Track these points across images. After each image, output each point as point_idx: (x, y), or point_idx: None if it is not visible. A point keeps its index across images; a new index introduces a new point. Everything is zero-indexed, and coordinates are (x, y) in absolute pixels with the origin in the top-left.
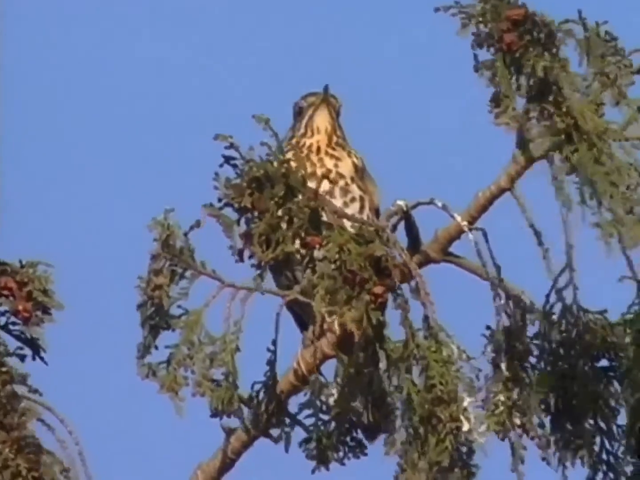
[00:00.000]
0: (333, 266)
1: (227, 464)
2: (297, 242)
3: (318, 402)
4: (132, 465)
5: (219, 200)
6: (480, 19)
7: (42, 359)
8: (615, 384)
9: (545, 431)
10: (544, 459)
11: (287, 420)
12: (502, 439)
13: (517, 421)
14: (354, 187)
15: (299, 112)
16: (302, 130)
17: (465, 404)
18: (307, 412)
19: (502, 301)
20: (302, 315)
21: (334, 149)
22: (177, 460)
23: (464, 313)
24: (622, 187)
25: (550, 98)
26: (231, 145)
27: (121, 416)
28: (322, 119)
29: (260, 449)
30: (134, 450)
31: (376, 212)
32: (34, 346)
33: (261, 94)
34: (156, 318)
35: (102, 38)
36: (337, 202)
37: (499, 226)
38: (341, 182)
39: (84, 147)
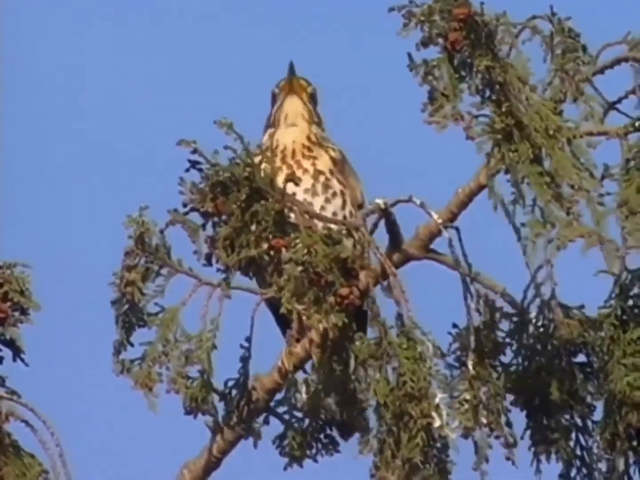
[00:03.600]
0: (300, 268)
1: (213, 463)
2: (265, 244)
3: (293, 400)
4: (116, 466)
5: (184, 205)
6: (423, 18)
7: (22, 360)
8: (592, 379)
9: (512, 430)
10: (508, 458)
11: (260, 417)
12: (465, 438)
13: (484, 420)
14: (334, 182)
15: (272, 100)
16: (272, 119)
17: (437, 400)
18: (282, 409)
19: (473, 299)
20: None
21: (310, 149)
22: (162, 459)
23: (449, 309)
24: (565, 187)
25: (494, 97)
26: (195, 151)
27: (104, 416)
28: (291, 105)
29: (247, 447)
30: (118, 451)
31: (360, 208)
32: (14, 347)
33: (242, 88)
34: (129, 314)
35: (81, 36)
36: (319, 198)
37: (479, 222)
38: (321, 178)
39: (55, 147)
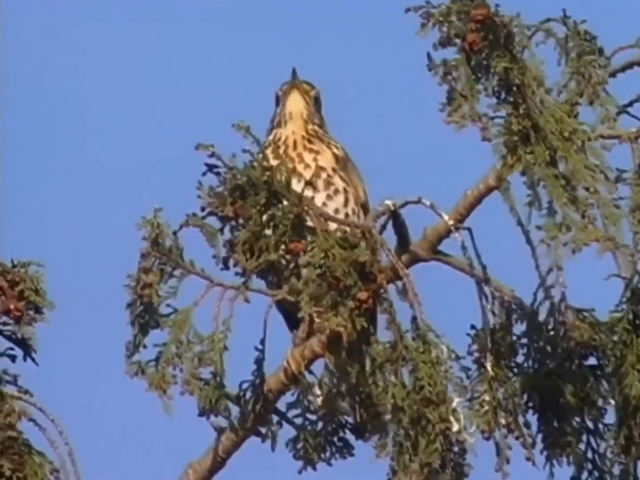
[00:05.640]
0: (318, 271)
1: (218, 463)
2: (283, 248)
3: (305, 402)
4: (123, 465)
5: (202, 209)
6: (441, 18)
7: (33, 359)
8: (603, 382)
9: (530, 431)
10: (528, 458)
11: (275, 419)
12: (487, 439)
13: (503, 421)
14: (336, 179)
15: (276, 102)
16: (277, 119)
17: (454, 404)
18: (295, 411)
19: (488, 301)
20: (294, 314)
21: (310, 141)
22: (167, 459)
23: (456, 311)
24: (581, 190)
25: (511, 99)
26: (213, 154)
27: (111, 415)
28: (294, 105)
29: (252, 448)
30: (125, 450)
31: (363, 207)
32: (25, 347)
33: (246, 88)
34: (145, 316)
35: (88, 40)
36: (321, 195)
37: (488, 224)
38: (323, 175)
39: (72, 147)
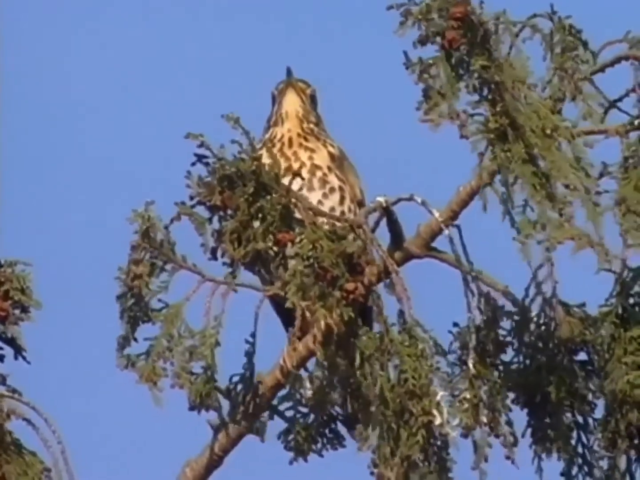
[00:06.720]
0: (306, 263)
1: (215, 461)
2: (271, 239)
3: (297, 395)
4: (118, 464)
5: (191, 198)
6: (420, 16)
7: (24, 358)
8: (593, 377)
9: (513, 429)
10: (508, 457)
11: (266, 412)
12: (465, 437)
13: (484, 419)
14: (332, 178)
15: (272, 101)
16: (273, 119)
17: (438, 397)
18: (286, 404)
19: (474, 297)
20: (288, 310)
21: (306, 139)
22: (164, 457)
23: (450, 307)
24: (561, 187)
25: (490, 97)
26: (202, 144)
27: (105, 414)
28: (290, 104)
29: (248, 446)
30: (120, 448)
31: (360, 205)
32: (16, 345)
33: (244, 88)
34: (135, 309)
35: (84, 34)
36: (316, 193)
37: (481, 220)
38: (319, 173)
39: (61, 143)
